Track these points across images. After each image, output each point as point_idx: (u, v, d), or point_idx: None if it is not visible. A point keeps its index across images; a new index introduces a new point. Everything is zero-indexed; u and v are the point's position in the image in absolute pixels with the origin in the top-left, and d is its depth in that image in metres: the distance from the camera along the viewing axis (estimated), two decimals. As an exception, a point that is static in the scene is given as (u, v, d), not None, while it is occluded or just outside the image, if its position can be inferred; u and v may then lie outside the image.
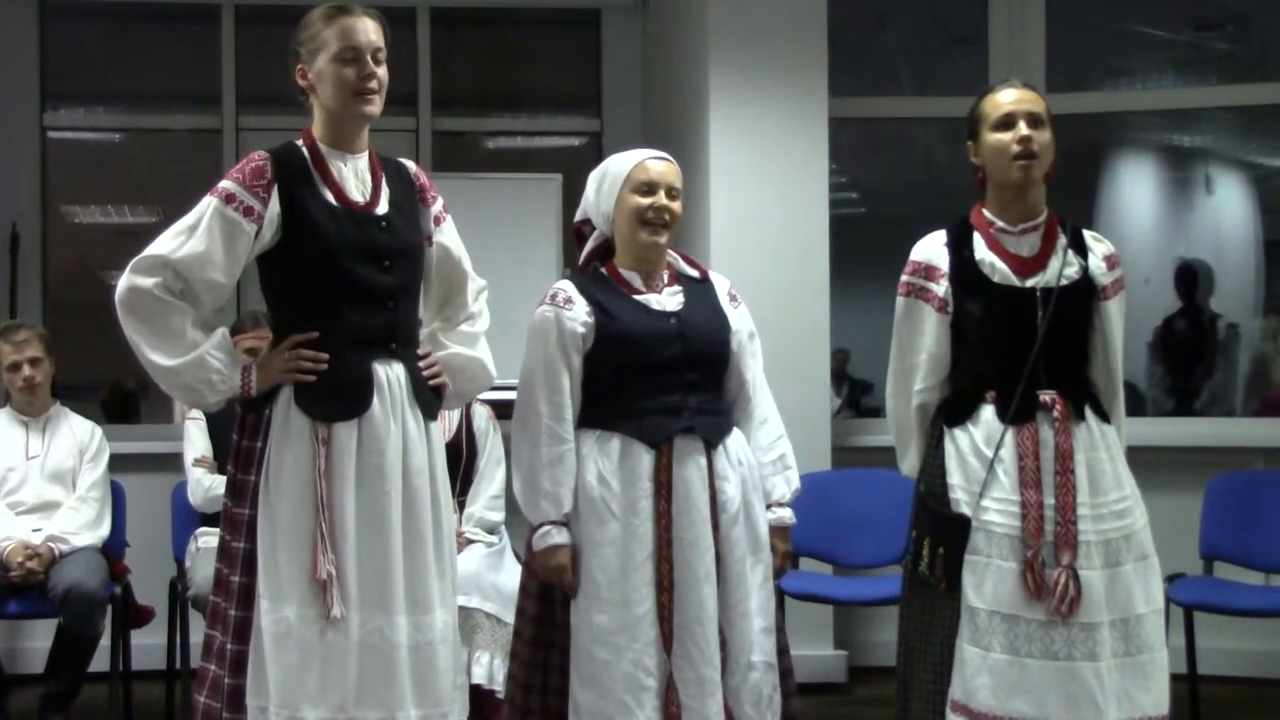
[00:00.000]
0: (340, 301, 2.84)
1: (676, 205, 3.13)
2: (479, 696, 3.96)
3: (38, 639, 4.92)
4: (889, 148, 6.85)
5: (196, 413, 4.59)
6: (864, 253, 5.61)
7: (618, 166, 3.14)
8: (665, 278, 3.16)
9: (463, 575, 3.57)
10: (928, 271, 3.13)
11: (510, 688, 3.15)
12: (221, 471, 3.90)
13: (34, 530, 4.47)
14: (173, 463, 4.84)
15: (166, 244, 2.80)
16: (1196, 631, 4.41)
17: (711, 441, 3.06)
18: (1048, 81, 5.46)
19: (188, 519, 4.70)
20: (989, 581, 2.96)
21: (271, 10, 5.71)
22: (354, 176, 2.91)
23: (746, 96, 5.22)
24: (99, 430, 4.75)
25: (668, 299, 3.12)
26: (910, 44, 6.47)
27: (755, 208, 5.20)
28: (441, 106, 6.12)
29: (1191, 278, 6.19)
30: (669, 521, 3.00)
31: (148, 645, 4.78)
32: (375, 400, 2.83)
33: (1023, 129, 3.04)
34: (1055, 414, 3.01)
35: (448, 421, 4.27)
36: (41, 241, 5.89)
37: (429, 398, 2.95)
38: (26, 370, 4.59)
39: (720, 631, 3.00)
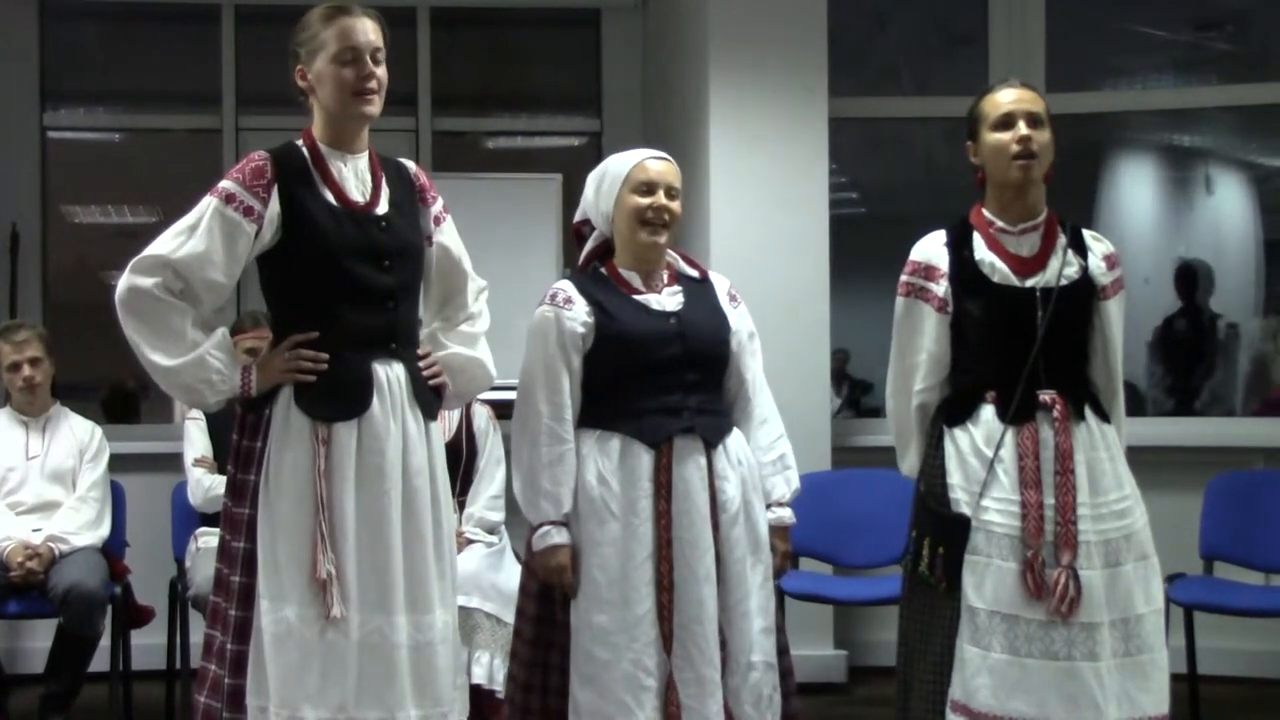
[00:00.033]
0: (340, 301, 2.84)
1: (676, 205, 3.13)
2: (479, 696, 3.96)
3: (38, 639, 4.92)
4: (889, 148, 6.84)
5: (196, 413, 4.59)
6: (864, 253, 5.60)
7: (617, 166, 3.15)
8: (665, 278, 3.16)
9: (463, 575, 3.57)
10: (927, 271, 3.13)
11: (510, 688, 3.15)
12: (221, 471, 3.90)
13: (34, 530, 4.47)
14: (173, 463, 4.84)
15: (166, 244, 2.80)
16: (1196, 631, 4.40)
17: (711, 441, 3.06)
18: (1048, 81, 5.46)
19: (188, 519, 4.70)
20: (989, 581, 2.96)
21: (271, 10, 5.70)
22: (354, 176, 2.91)
23: (746, 96, 5.22)
24: (99, 430, 4.75)
25: (667, 299, 3.12)
26: (910, 44, 6.47)
27: (755, 208, 5.20)
28: (441, 106, 6.12)
29: (1191, 278, 6.19)
30: (669, 521, 3.00)
31: (148, 645, 4.78)
32: (375, 400, 2.83)
33: (1022, 129, 3.04)
34: (1055, 414, 3.01)
35: (448, 421, 4.27)
36: (41, 241, 5.89)
37: (429, 398, 2.95)
38: (26, 370, 4.59)
39: (720, 631, 3.00)
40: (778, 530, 3.16)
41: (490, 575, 4.17)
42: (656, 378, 3.05)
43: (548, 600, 3.06)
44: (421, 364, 2.97)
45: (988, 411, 3.04)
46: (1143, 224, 6.83)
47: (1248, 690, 5.07)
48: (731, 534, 3.04)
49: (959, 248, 3.11)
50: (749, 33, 5.22)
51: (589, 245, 3.22)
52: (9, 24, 5.84)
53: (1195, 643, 4.39)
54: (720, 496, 3.05)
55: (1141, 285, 6.08)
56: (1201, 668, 4.45)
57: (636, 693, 2.94)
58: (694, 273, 3.23)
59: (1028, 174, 3.05)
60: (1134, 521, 3.03)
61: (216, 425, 4.47)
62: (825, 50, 5.26)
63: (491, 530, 4.39)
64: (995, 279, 3.07)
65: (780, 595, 3.90)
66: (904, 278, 3.18)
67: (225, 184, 2.83)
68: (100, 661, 4.44)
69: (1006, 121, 3.05)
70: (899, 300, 3.18)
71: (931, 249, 3.15)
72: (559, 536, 3.00)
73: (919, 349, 3.14)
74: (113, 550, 4.64)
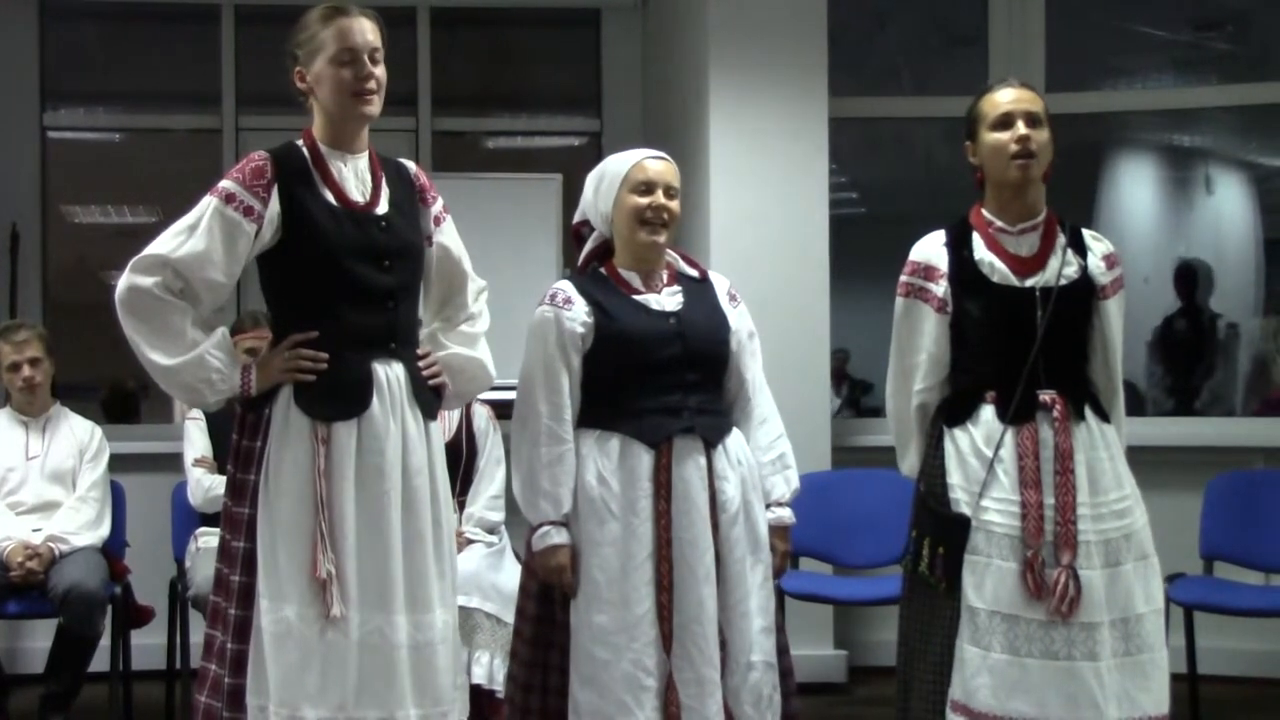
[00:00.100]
0: (340, 301, 2.85)
1: (675, 205, 3.13)
2: (479, 696, 3.96)
3: (38, 639, 4.92)
4: (889, 148, 6.85)
5: (196, 413, 4.59)
6: (864, 253, 5.61)
7: (615, 166, 3.14)
8: (664, 278, 3.16)
9: (463, 575, 3.57)
10: (927, 272, 3.13)
11: (510, 688, 3.15)
12: (221, 471, 3.90)
13: (34, 530, 4.47)
14: (173, 463, 4.84)
15: (166, 243, 2.80)
16: (1196, 631, 4.40)
17: (711, 441, 3.06)
18: (1048, 81, 5.46)
19: (188, 519, 4.69)
20: (989, 581, 2.96)
21: (271, 10, 5.70)
22: (354, 176, 2.91)
23: (746, 96, 5.22)
24: (99, 430, 4.75)
25: (667, 299, 3.12)
26: (910, 44, 6.47)
27: (755, 208, 5.20)
28: (441, 106, 6.12)
29: (1191, 277, 6.19)
30: (668, 521, 2.99)
31: (148, 645, 4.78)
32: (375, 400, 2.83)
33: (1021, 128, 3.03)
34: (1055, 414, 3.01)
35: (447, 421, 4.27)
36: (41, 241, 5.90)
37: (429, 398, 2.95)
38: (26, 370, 4.59)
39: (720, 631, 3.00)
40: (777, 530, 3.16)
41: (490, 575, 4.18)
42: (656, 378, 3.05)
43: (547, 600, 3.06)
44: (421, 364, 2.97)
45: (987, 411, 3.04)
46: (1143, 224, 6.83)
47: (1248, 690, 5.07)
48: (731, 534, 3.04)
49: (958, 248, 3.11)
50: (749, 32, 5.22)
51: (588, 245, 3.21)
52: (9, 24, 5.84)
53: (1195, 643, 4.39)
54: (720, 496, 3.04)
55: (1141, 285, 6.08)
56: (1201, 668, 4.45)
57: (636, 693, 2.93)
58: (694, 272, 3.22)
59: (1026, 173, 3.05)
60: (1134, 521, 3.03)
61: (216, 425, 4.47)
62: (825, 50, 5.26)
63: (491, 530, 4.39)
64: (995, 279, 3.07)
65: (780, 595, 3.90)
66: (903, 278, 3.18)
67: (225, 184, 2.83)
68: (100, 661, 4.44)
69: (1005, 121, 3.05)
70: (898, 300, 3.18)
71: (931, 249, 3.15)
72: (558, 536, 3.00)
73: (919, 349, 3.14)
74: (113, 550, 4.64)
